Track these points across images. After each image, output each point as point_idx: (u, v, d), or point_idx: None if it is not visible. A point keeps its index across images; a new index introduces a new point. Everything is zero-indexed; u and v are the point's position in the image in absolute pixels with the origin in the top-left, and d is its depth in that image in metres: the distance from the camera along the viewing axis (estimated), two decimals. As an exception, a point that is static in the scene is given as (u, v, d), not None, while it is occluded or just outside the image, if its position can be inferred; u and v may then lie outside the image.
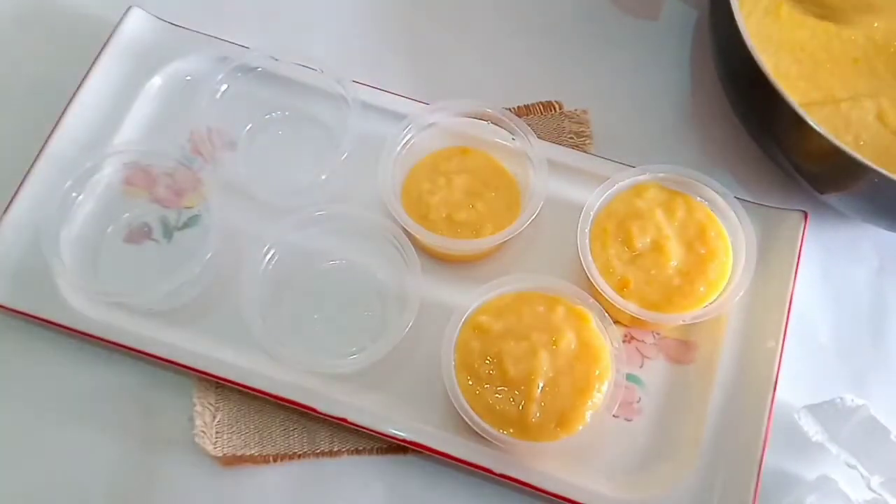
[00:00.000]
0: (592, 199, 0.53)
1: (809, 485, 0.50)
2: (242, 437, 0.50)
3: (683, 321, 0.51)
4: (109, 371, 0.52)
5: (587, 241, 0.52)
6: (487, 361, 0.48)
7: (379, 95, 0.58)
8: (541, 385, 0.47)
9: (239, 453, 0.50)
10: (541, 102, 0.61)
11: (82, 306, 0.51)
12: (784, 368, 0.50)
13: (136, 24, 0.59)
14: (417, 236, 0.51)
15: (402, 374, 0.51)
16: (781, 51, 0.57)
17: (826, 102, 0.55)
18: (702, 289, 0.51)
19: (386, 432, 0.49)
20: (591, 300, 0.50)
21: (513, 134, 0.55)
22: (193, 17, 0.61)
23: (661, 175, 0.54)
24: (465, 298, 0.50)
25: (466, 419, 0.47)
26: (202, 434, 0.49)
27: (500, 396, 0.47)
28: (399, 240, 0.52)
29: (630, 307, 0.50)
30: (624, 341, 0.53)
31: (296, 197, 0.54)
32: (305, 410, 0.49)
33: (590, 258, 0.51)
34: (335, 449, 0.50)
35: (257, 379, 0.49)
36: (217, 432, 0.50)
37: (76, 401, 0.51)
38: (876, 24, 0.57)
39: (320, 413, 0.49)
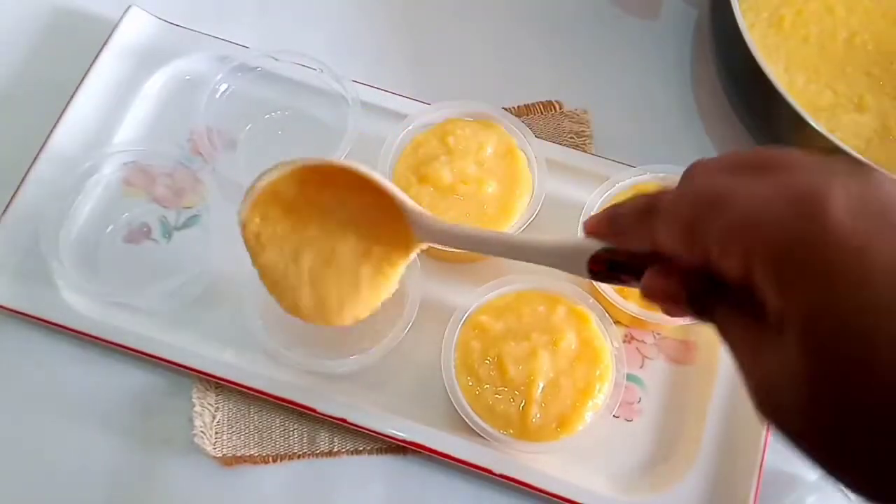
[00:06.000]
0: (592, 199, 0.53)
1: (810, 485, 0.50)
2: (242, 438, 0.50)
3: (684, 321, 0.51)
4: (109, 371, 0.52)
5: (587, 241, 0.52)
6: (487, 362, 0.48)
7: (379, 95, 0.58)
8: (541, 385, 0.47)
9: (238, 453, 0.50)
10: (541, 102, 0.61)
11: (82, 306, 0.51)
12: (784, 368, 0.50)
13: (135, 23, 0.59)
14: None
15: (402, 374, 0.51)
16: (787, 61, 0.57)
17: (831, 108, 0.55)
18: (702, 289, 0.51)
19: (386, 432, 0.49)
20: (592, 300, 0.50)
21: (511, 134, 0.55)
22: (193, 16, 0.61)
23: (661, 175, 0.54)
24: (465, 298, 0.50)
25: (466, 419, 0.47)
26: (201, 434, 0.49)
27: (500, 397, 0.47)
28: (399, 240, 0.51)
29: (630, 307, 0.50)
30: (624, 341, 0.53)
31: (296, 197, 0.54)
32: (305, 410, 0.49)
33: (590, 258, 0.51)
34: (335, 449, 0.50)
35: (257, 379, 0.49)
36: (216, 432, 0.50)
37: (76, 401, 0.51)
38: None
39: (320, 413, 0.49)
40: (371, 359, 0.48)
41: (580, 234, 0.51)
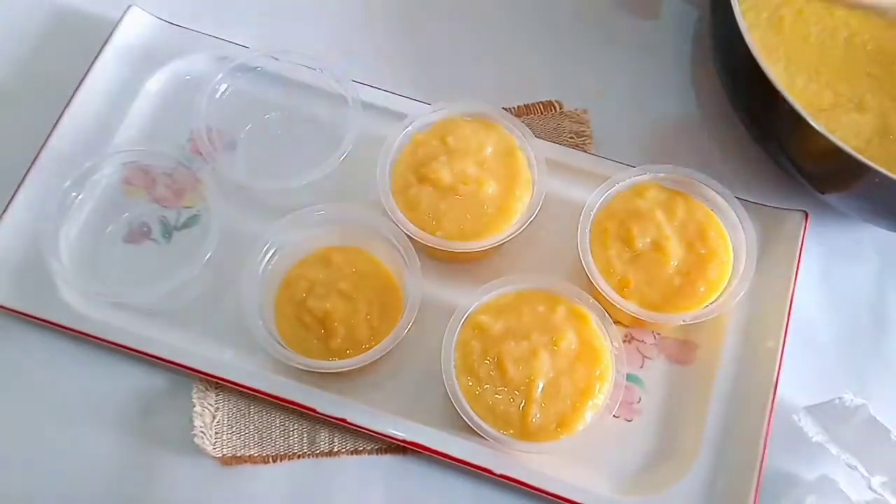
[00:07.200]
0: (592, 198, 0.53)
1: (809, 485, 0.50)
2: (242, 438, 0.50)
3: (683, 321, 0.51)
4: (109, 371, 0.52)
5: (587, 240, 0.52)
6: (487, 362, 0.48)
7: (379, 95, 0.58)
8: (541, 385, 0.47)
9: (238, 453, 0.50)
10: (541, 102, 0.61)
11: (82, 306, 0.51)
12: (784, 368, 0.50)
13: (135, 23, 0.59)
14: (415, 237, 0.51)
15: (402, 374, 0.51)
16: (787, 61, 0.57)
17: (831, 108, 0.55)
18: (702, 289, 0.51)
19: (386, 432, 0.49)
20: (592, 300, 0.50)
21: (511, 134, 0.55)
22: (193, 16, 0.61)
23: (661, 175, 0.54)
24: (465, 298, 0.50)
25: (466, 419, 0.47)
26: (202, 434, 0.49)
27: (500, 397, 0.47)
28: (399, 240, 0.51)
29: (630, 307, 0.50)
30: (624, 341, 0.53)
31: (295, 197, 0.54)
32: (305, 411, 0.49)
33: (590, 258, 0.51)
34: (335, 449, 0.50)
35: (257, 379, 0.50)
36: (216, 432, 0.50)
37: (76, 401, 0.51)
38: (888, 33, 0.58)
39: (320, 413, 0.49)
40: (371, 359, 0.48)
41: (579, 237, 0.52)
